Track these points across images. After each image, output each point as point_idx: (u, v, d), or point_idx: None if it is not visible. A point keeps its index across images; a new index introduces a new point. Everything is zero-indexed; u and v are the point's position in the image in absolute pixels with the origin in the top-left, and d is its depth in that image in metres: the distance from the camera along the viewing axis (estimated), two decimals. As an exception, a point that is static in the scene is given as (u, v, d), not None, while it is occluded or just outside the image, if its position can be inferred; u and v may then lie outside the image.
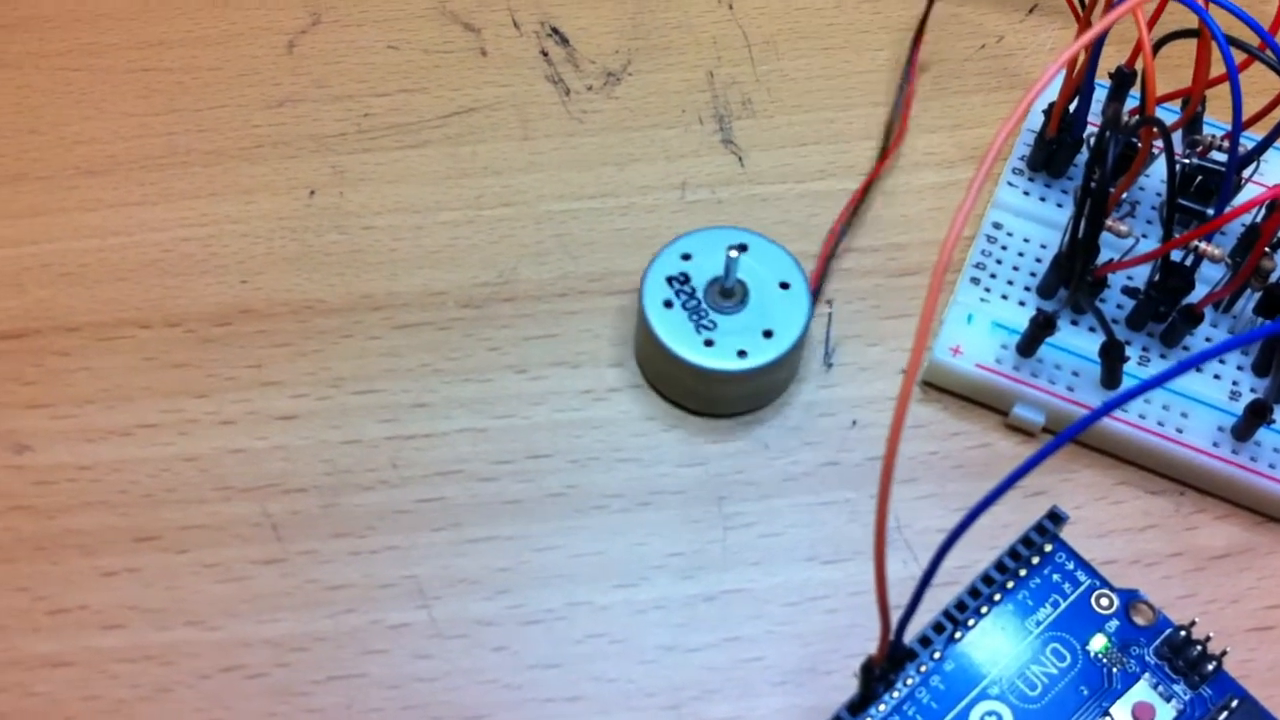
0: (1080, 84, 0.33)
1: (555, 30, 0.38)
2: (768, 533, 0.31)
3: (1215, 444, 0.32)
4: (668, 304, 0.32)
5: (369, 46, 0.38)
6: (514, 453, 0.32)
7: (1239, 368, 0.33)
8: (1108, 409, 0.23)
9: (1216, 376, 0.33)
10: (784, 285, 0.32)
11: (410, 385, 0.33)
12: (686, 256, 0.32)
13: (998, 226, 0.34)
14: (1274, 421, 0.31)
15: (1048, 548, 0.30)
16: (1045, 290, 0.33)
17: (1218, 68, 0.31)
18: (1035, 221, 0.34)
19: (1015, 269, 0.34)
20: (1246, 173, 0.33)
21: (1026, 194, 0.35)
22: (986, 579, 0.30)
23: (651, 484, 0.32)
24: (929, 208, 0.36)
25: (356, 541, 0.31)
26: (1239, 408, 0.32)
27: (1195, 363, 0.23)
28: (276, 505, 0.31)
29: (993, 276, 0.34)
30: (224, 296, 0.34)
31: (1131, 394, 0.23)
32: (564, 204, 0.36)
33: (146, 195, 0.35)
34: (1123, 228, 0.31)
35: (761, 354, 0.32)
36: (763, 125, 0.37)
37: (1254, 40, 0.30)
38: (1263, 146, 0.32)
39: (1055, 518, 0.31)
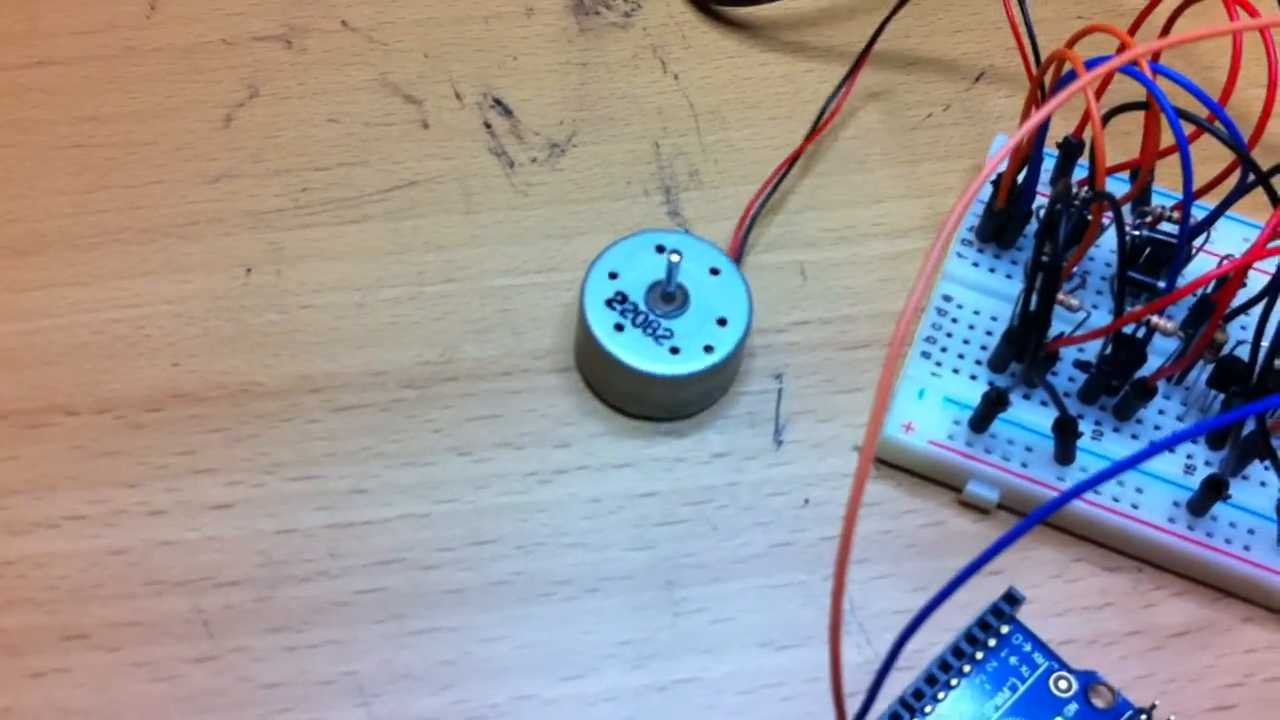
0: (1029, 154, 0.33)
1: (498, 101, 0.37)
2: (719, 618, 0.31)
3: (1171, 519, 0.31)
4: (618, 327, 0.32)
5: (308, 119, 0.37)
6: (457, 539, 0.31)
7: (1193, 440, 0.32)
8: (1077, 492, 0.22)
9: (1171, 450, 0.32)
10: (714, 271, 0.33)
11: (350, 470, 0.32)
12: (614, 275, 0.33)
13: (948, 299, 0.34)
14: (1230, 496, 0.31)
15: (1004, 629, 0.30)
16: (997, 364, 0.33)
17: (1165, 136, 0.30)
18: (985, 293, 0.34)
19: (966, 342, 0.33)
20: (1197, 242, 0.33)
21: (976, 265, 0.34)
22: (943, 664, 0.29)
23: (599, 569, 0.31)
24: (879, 279, 0.35)
25: (293, 636, 0.30)
26: (1194, 482, 0.31)
27: (1171, 444, 0.22)
28: (209, 600, 0.30)
29: (943, 350, 0.33)
30: (155, 380, 0.33)
31: (1104, 476, 0.22)
32: (508, 279, 0.35)
33: (77, 275, 0.34)
34: (1074, 301, 0.31)
35: (727, 341, 0.32)
36: (710, 197, 0.36)
37: (1202, 111, 0.30)
38: (1213, 217, 0.32)
39: (1012, 599, 0.30)
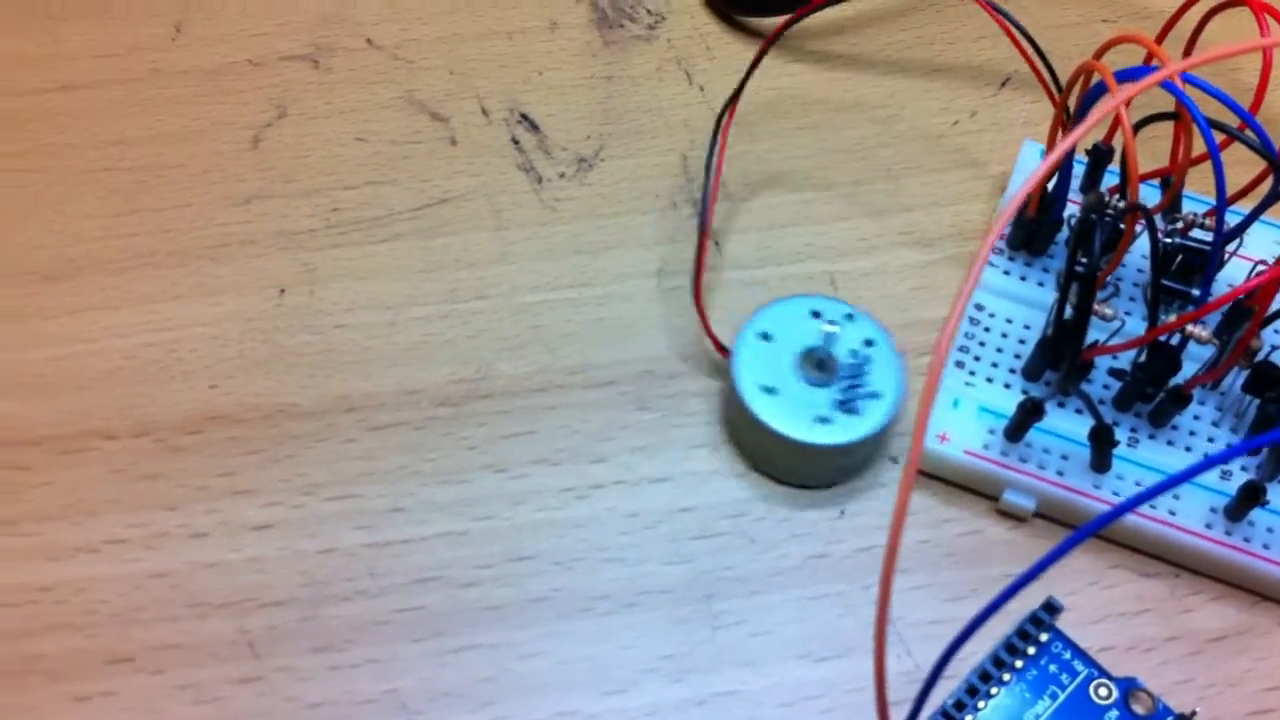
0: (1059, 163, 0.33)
1: (525, 117, 0.38)
2: (758, 630, 0.31)
3: (1208, 525, 0.31)
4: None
5: (336, 139, 0.37)
6: (495, 556, 0.31)
7: (1228, 445, 0.32)
8: (1131, 505, 0.22)
9: (1206, 455, 0.32)
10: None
11: (387, 489, 0.32)
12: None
13: (980, 308, 0.34)
14: (1268, 502, 0.31)
15: (1044, 637, 0.30)
16: (1031, 372, 0.33)
17: (1196, 143, 0.30)
18: (1017, 302, 0.34)
19: (999, 351, 0.33)
20: (1230, 248, 0.33)
21: (1007, 274, 0.34)
22: (984, 674, 0.29)
23: (637, 584, 0.31)
24: (911, 288, 0.35)
25: (335, 656, 0.30)
26: (1231, 488, 0.31)
27: (1226, 459, 0.22)
28: (252, 620, 0.30)
29: (977, 359, 0.33)
30: (192, 403, 0.33)
31: (1158, 490, 0.22)
32: (539, 295, 0.35)
33: (109, 300, 0.34)
34: (1108, 311, 0.31)
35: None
36: (738, 208, 0.36)
37: (1233, 120, 0.30)
38: (1246, 223, 0.32)
39: (1050, 608, 0.30)
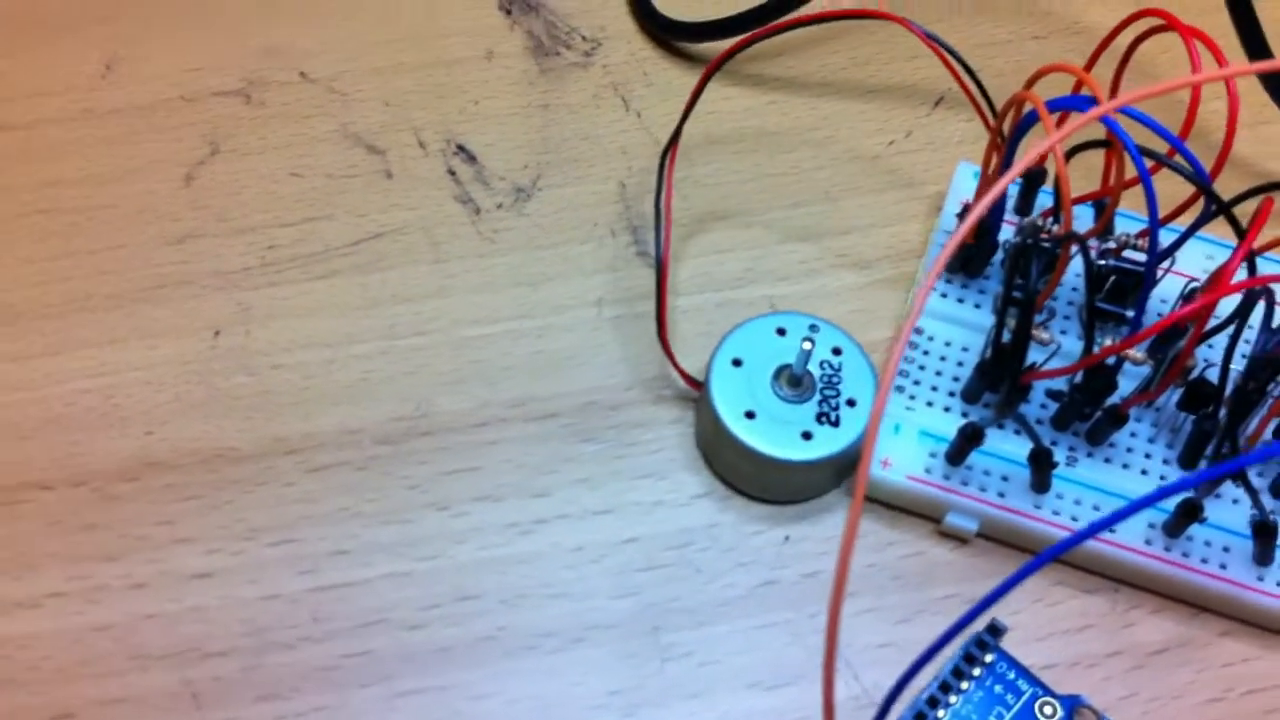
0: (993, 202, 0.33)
1: (462, 148, 0.37)
2: (707, 661, 0.31)
3: (1148, 541, 0.32)
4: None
5: (270, 175, 0.37)
6: (440, 596, 0.31)
7: (1165, 461, 0.33)
8: (1093, 531, 0.23)
9: (1144, 472, 0.32)
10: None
11: (328, 532, 0.32)
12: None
13: (919, 331, 0.34)
14: (1205, 519, 0.31)
15: (989, 659, 0.30)
16: (970, 395, 0.33)
17: (1128, 166, 0.31)
18: (956, 324, 0.34)
19: (939, 374, 0.33)
20: (1162, 265, 0.33)
21: (944, 296, 0.35)
22: (931, 700, 0.30)
23: (584, 619, 0.31)
24: (850, 310, 0.35)
25: (281, 705, 0.30)
26: (1169, 505, 0.32)
27: (1182, 488, 0.23)
28: (195, 671, 0.30)
29: (916, 384, 0.33)
30: (129, 450, 0.32)
31: (1120, 516, 0.22)
32: (479, 329, 0.35)
33: (47, 346, 0.34)
34: (1044, 335, 0.31)
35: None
36: (678, 234, 0.36)
37: (1163, 147, 0.30)
38: (1177, 244, 0.32)
39: (995, 630, 0.30)
